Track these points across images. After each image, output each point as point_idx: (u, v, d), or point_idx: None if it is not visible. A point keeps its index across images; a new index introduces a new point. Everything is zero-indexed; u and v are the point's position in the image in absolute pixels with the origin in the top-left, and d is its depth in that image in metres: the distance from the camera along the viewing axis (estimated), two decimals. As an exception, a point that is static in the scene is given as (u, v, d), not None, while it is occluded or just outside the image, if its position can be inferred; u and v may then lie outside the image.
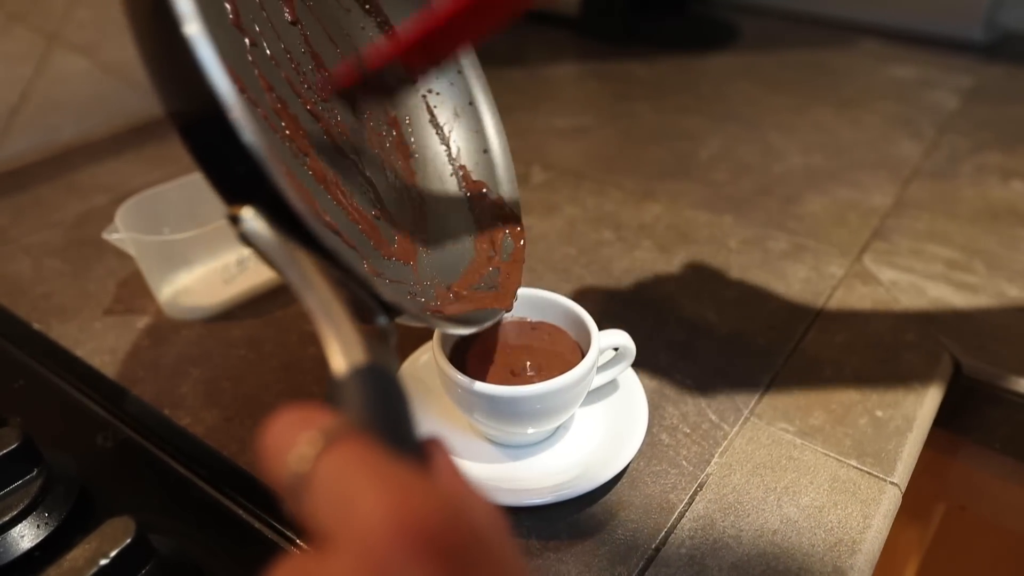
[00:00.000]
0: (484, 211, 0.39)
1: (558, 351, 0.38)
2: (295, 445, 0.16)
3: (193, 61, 0.19)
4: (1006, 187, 0.65)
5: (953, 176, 0.67)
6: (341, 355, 0.19)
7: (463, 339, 0.39)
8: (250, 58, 0.28)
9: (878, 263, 0.54)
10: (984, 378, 0.45)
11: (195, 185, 0.50)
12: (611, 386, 0.40)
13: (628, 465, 0.37)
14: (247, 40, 0.28)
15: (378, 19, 0.37)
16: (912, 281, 0.52)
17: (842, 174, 0.67)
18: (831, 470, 0.37)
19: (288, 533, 0.34)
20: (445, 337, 0.37)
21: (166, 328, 0.48)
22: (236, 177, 0.21)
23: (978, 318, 0.48)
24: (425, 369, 0.42)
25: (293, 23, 0.31)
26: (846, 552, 0.33)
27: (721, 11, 1.14)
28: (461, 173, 0.39)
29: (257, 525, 0.34)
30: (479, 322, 0.33)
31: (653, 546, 0.34)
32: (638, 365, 0.40)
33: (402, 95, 0.38)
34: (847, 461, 0.38)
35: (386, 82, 0.35)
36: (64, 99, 0.72)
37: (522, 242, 0.38)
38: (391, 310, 0.25)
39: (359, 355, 0.19)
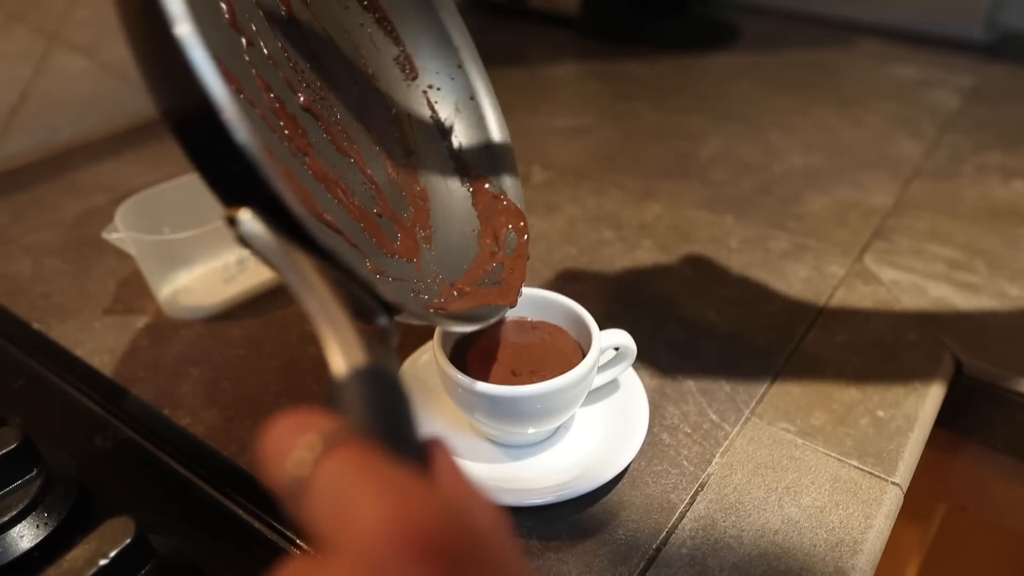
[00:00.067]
0: (487, 206, 0.39)
1: (559, 351, 0.37)
2: (294, 449, 0.16)
3: (184, 62, 0.18)
4: (1007, 187, 0.65)
5: (954, 176, 0.67)
6: (341, 356, 0.18)
7: (464, 339, 0.38)
8: (247, 58, 0.28)
9: (879, 263, 0.54)
10: (985, 378, 0.45)
11: (195, 185, 0.50)
12: (612, 386, 0.40)
13: (629, 465, 0.36)
14: (243, 40, 0.28)
15: (376, 15, 0.37)
16: (913, 281, 0.52)
17: (843, 174, 0.67)
18: (832, 470, 0.37)
19: (288, 534, 0.33)
20: (445, 337, 0.37)
21: (166, 328, 0.48)
22: (232, 178, 0.20)
23: (979, 318, 0.48)
24: (426, 369, 0.42)
25: (290, 21, 0.31)
26: (847, 552, 0.33)
27: (721, 11, 1.14)
28: (463, 168, 0.39)
29: (257, 525, 0.34)
30: (483, 319, 0.33)
31: (654, 546, 0.34)
32: (639, 365, 0.40)
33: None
34: (848, 461, 0.38)
35: None
36: (64, 99, 0.72)
37: (526, 236, 0.38)
38: (392, 309, 0.24)
39: (359, 356, 0.18)
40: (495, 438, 0.38)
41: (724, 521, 0.35)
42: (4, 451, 0.32)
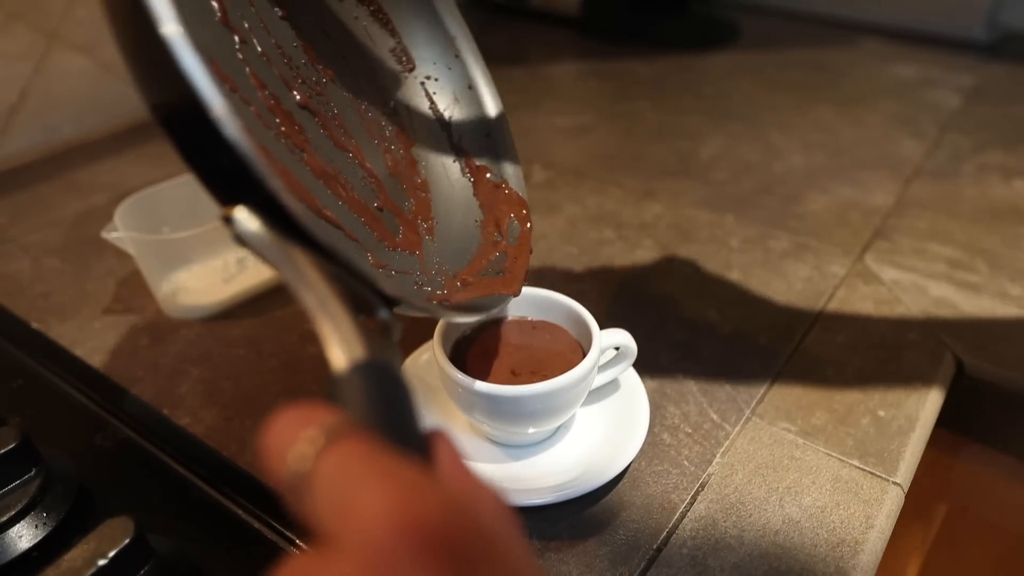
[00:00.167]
0: (488, 195, 0.39)
1: (559, 350, 0.37)
2: (296, 443, 0.16)
3: (172, 61, 0.18)
4: (1008, 186, 0.65)
5: (955, 175, 0.67)
6: (341, 351, 0.18)
7: (464, 338, 0.38)
8: (240, 56, 0.28)
9: (880, 262, 0.54)
10: (987, 378, 0.45)
11: (194, 184, 0.50)
12: (612, 386, 0.40)
13: (629, 465, 0.36)
14: (236, 38, 0.28)
15: (371, 7, 0.37)
16: (914, 280, 0.52)
17: (843, 173, 0.67)
18: (833, 470, 0.37)
19: (288, 533, 0.33)
20: (446, 336, 0.37)
21: (165, 327, 0.48)
22: (225, 176, 0.20)
23: (980, 317, 0.48)
24: (426, 368, 0.42)
25: (284, 18, 0.31)
26: (848, 552, 0.33)
27: (722, 10, 1.13)
28: (464, 158, 0.39)
29: (257, 525, 0.34)
30: (486, 308, 0.33)
31: (655, 546, 0.34)
32: (639, 364, 0.40)
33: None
34: (849, 461, 0.38)
35: None
36: (64, 98, 0.72)
37: (528, 225, 0.38)
38: (392, 303, 0.24)
39: (359, 350, 0.18)
40: (495, 438, 0.38)
41: (725, 521, 0.35)
42: (3, 451, 0.32)
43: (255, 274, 0.50)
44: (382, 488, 0.15)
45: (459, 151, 0.39)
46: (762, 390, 0.42)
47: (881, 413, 0.41)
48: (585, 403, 0.39)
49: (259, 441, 0.17)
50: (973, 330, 0.47)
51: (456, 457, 0.18)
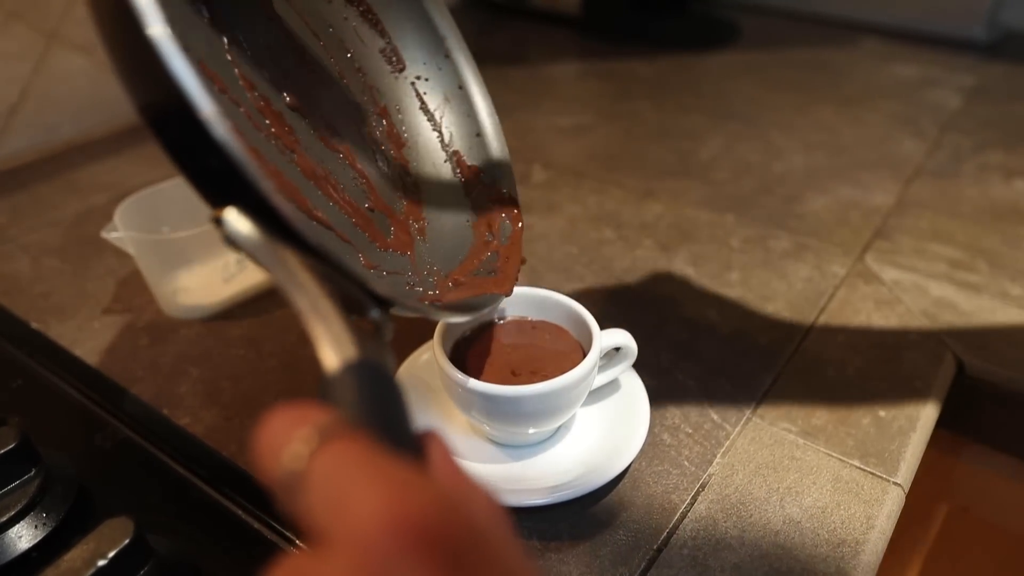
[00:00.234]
0: (480, 195, 0.39)
1: (559, 351, 0.37)
2: (290, 442, 0.16)
3: (159, 63, 0.18)
4: (1009, 186, 0.65)
5: (955, 175, 0.67)
6: (332, 351, 0.18)
7: (464, 338, 0.38)
8: (229, 58, 0.28)
9: (880, 262, 0.54)
10: (987, 378, 0.45)
11: (194, 184, 0.50)
12: (613, 386, 0.40)
13: (630, 465, 0.36)
14: (225, 39, 0.28)
15: (360, 8, 0.37)
16: (915, 280, 0.52)
17: (844, 173, 0.67)
18: (834, 470, 0.37)
19: (287, 534, 0.33)
20: (446, 336, 0.37)
21: (165, 327, 0.48)
22: (216, 178, 0.20)
23: (981, 317, 0.48)
24: (426, 368, 0.42)
25: (272, 19, 0.31)
26: (849, 553, 0.33)
27: (722, 10, 1.13)
28: (455, 159, 0.39)
29: (256, 525, 0.34)
30: (478, 308, 0.33)
31: (655, 547, 0.33)
32: (640, 365, 0.39)
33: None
34: (850, 461, 0.38)
35: None
36: (63, 97, 0.72)
37: (520, 224, 0.38)
38: (384, 303, 0.24)
39: (350, 350, 0.18)
40: (495, 438, 0.38)
41: (725, 522, 0.35)
42: (3, 451, 0.32)
43: (255, 274, 0.50)
44: (375, 486, 0.15)
45: (450, 151, 0.39)
46: (763, 390, 0.42)
47: (882, 413, 0.41)
48: (585, 403, 0.39)
49: (254, 440, 0.17)
50: (974, 330, 0.47)
51: (448, 456, 0.18)
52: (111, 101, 0.75)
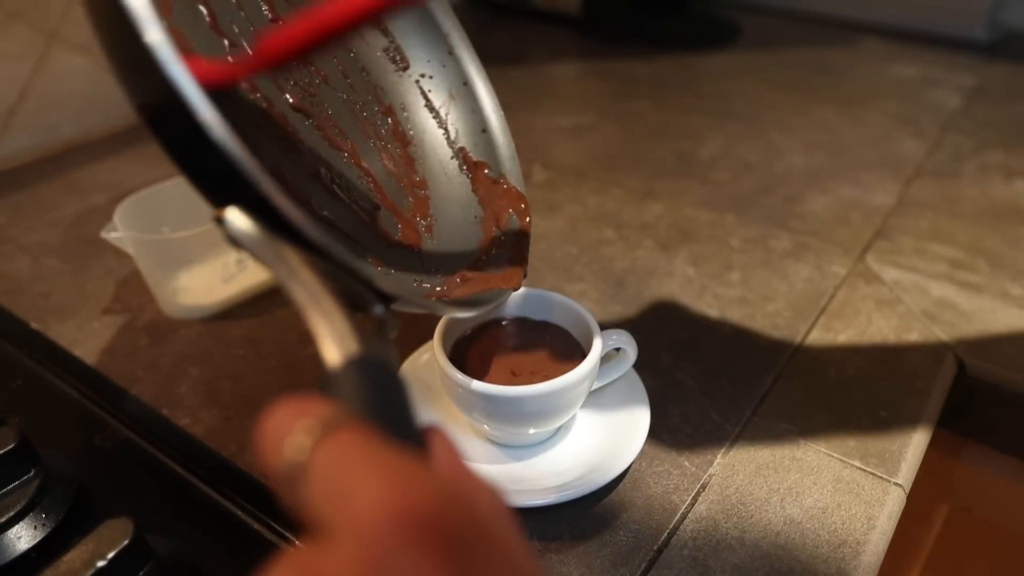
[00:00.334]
0: (487, 191, 0.39)
1: (559, 351, 0.37)
2: (292, 434, 0.16)
3: (158, 70, 0.18)
4: (1009, 186, 0.65)
5: (956, 175, 0.67)
6: (334, 347, 0.18)
7: (464, 338, 0.38)
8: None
9: (881, 262, 0.54)
10: (988, 378, 0.45)
11: (194, 184, 0.50)
12: (613, 386, 0.40)
13: (630, 466, 0.36)
14: (226, 42, 0.28)
15: None
16: (915, 280, 0.52)
17: (844, 173, 0.67)
18: (834, 471, 0.37)
19: (287, 534, 0.33)
20: (446, 336, 0.37)
21: (165, 327, 0.48)
22: (217, 178, 0.20)
23: (982, 318, 0.48)
24: (426, 368, 0.42)
25: (273, 20, 0.31)
26: (850, 553, 0.33)
27: (722, 10, 1.13)
28: (461, 155, 0.39)
29: (256, 526, 0.34)
30: (486, 303, 0.33)
31: (655, 547, 0.33)
32: (640, 365, 0.39)
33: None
34: (850, 462, 0.38)
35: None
36: (63, 97, 0.72)
37: (528, 219, 0.38)
38: (390, 300, 0.24)
39: (353, 346, 0.18)
40: (495, 439, 0.38)
41: (726, 522, 0.35)
42: (2, 451, 0.32)
43: (255, 274, 0.50)
44: (378, 478, 0.15)
45: (456, 148, 0.39)
46: (763, 390, 0.42)
47: (882, 413, 0.41)
48: (586, 404, 0.39)
49: (256, 432, 0.17)
50: (974, 330, 0.47)
51: (452, 450, 0.18)
52: (111, 101, 0.75)
